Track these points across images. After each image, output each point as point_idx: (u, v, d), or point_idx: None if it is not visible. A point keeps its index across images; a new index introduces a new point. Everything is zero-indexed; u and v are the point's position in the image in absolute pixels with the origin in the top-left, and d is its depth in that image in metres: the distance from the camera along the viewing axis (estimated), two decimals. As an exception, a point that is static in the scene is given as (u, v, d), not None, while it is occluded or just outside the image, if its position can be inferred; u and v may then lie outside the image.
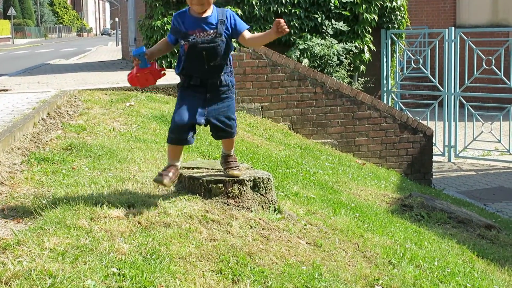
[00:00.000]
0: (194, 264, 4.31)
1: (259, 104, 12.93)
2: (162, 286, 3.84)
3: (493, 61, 16.52)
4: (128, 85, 12.41)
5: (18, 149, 6.81)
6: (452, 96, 16.93)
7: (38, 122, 8.36)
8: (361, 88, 15.45)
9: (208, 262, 4.40)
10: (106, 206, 5.03)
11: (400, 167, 13.24)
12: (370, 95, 13.51)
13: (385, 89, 17.56)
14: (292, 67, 12.97)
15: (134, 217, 4.90)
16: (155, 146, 7.62)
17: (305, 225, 5.80)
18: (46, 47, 60.17)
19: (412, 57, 18.53)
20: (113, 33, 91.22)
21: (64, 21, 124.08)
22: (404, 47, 18.14)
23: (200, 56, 5.14)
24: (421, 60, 17.71)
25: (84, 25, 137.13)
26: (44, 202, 5.07)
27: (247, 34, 5.18)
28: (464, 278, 5.82)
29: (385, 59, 17.56)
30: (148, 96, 11.59)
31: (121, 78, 13.81)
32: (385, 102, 16.71)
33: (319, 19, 16.61)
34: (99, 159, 6.64)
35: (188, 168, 5.90)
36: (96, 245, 4.30)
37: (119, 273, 3.89)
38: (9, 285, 3.63)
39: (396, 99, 17.97)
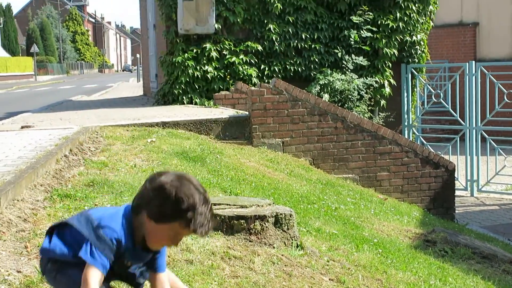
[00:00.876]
0: (217, 302, 4.29)
1: (279, 139, 12.93)
2: (184, 324, 3.81)
3: (515, 94, 16.47)
4: (149, 120, 12.53)
5: (41, 185, 6.85)
6: (474, 130, 16.85)
7: (61, 158, 8.41)
8: (382, 123, 15.42)
9: (231, 300, 4.38)
10: (129, 243, 5.02)
11: (423, 202, 13.15)
12: (391, 130, 13.48)
13: (406, 123, 17.51)
14: (313, 102, 12.98)
15: (157, 254, 4.89)
16: (177, 182, 7.61)
17: (328, 261, 5.77)
18: (68, 84, 60.74)
19: (433, 91, 18.51)
20: (135, 69, 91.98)
21: (86, 57, 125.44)
22: (424, 82, 18.11)
23: None
24: (441, 94, 17.68)
25: (106, 62, 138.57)
26: (66, 238, 5.08)
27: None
28: (490, 315, 5.75)
29: (405, 94, 17.54)
30: (169, 132, 11.63)
31: (142, 114, 13.89)
32: (406, 136, 16.64)
33: (339, 54, 16.66)
34: (121, 195, 6.65)
35: (210, 204, 5.90)
36: (119, 283, 4.29)
37: (141, 311, 3.87)
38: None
39: (418, 134, 17.91)
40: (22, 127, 12.30)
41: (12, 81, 69.56)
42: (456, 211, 13.91)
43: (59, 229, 3.35)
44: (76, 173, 7.79)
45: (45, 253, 3.34)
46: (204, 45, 16.03)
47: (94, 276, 3.07)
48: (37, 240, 5.14)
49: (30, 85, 60.32)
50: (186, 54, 15.94)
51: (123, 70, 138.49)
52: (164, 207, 3.08)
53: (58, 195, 6.56)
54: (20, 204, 6.26)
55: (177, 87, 16.07)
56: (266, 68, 16.56)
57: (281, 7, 16.43)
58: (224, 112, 13.72)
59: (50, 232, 3.40)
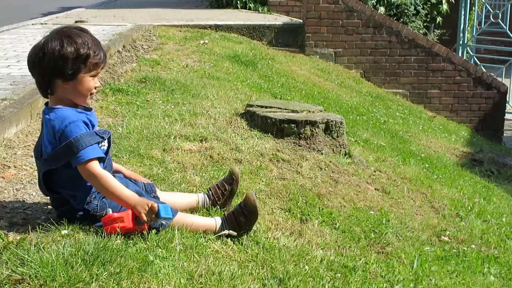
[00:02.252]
0: (263, 201, 4.34)
1: (332, 49, 12.80)
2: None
3: None
4: (202, 22, 12.46)
5: (94, 78, 6.90)
6: (530, 54, 16.48)
7: (114, 54, 8.45)
8: (436, 40, 15.16)
9: (278, 200, 4.43)
10: (179, 138, 5.09)
11: (471, 122, 13.00)
12: (446, 47, 13.24)
13: (461, 42, 17.15)
14: (368, 14, 12.76)
15: (206, 151, 4.95)
16: (228, 84, 7.64)
17: (374, 171, 5.78)
18: (121, -18, 60.46)
19: (491, 11, 18.01)
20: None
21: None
22: (483, 0, 17.63)
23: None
24: (499, 14, 17.21)
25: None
26: (119, 131, 5.16)
27: None
28: (532, 236, 5.74)
29: (463, 12, 17.10)
30: (222, 35, 11.59)
31: (195, 16, 13.82)
32: (460, 55, 16.34)
33: (399, -33, 16.26)
34: (173, 93, 6.69)
35: (262, 106, 5.91)
36: (168, 175, 4.36)
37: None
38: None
39: (472, 53, 17.55)
40: (76, 22, 12.33)
41: (66, -23, 69.54)
42: (504, 134, 13.75)
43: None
44: (129, 69, 7.84)
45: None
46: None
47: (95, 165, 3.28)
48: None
49: (83, -18, 60.14)
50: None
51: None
52: (65, 65, 3.26)
53: (110, 89, 6.62)
54: (74, 95, 6.33)
55: (232, -10, 15.90)
56: (323, -23, 16.25)
57: None
58: (278, 19, 13.58)
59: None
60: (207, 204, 3.90)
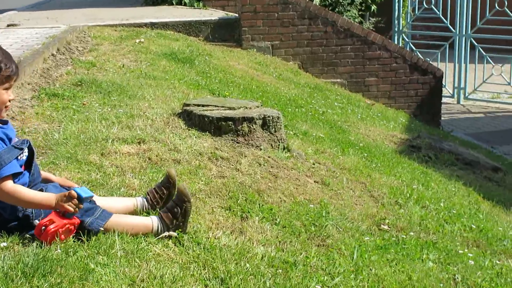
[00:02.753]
0: (203, 200, 4.36)
1: (269, 42, 12.85)
2: (172, 222, 3.89)
3: (506, 2, 16.31)
4: (138, 21, 12.37)
5: (28, 84, 6.83)
6: (464, 38, 16.77)
7: (48, 57, 8.35)
8: (372, 28, 15.34)
9: (218, 199, 4.46)
10: (117, 141, 5.08)
11: (409, 108, 13.19)
12: (381, 35, 13.40)
13: (396, 29, 17.39)
14: (303, 5, 12.84)
15: (145, 153, 4.95)
16: (165, 83, 7.62)
17: (314, 164, 5.84)
18: (55, -18, 59.65)
19: (425, -3, 18.30)
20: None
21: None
22: (416, -13, 17.90)
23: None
24: (433, 0, 17.49)
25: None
26: (55, 137, 5.12)
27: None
28: (470, 219, 5.87)
29: (397, -1, 17.36)
30: (158, 33, 11.53)
31: (130, 14, 13.72)
32: (396, 42, 16.56)
33: (332, -43, 16.39)
34: (109, 95, 6.65)
35: (198, 105, 5.93)
36: (107, 180, 4.36)
37: (129, 208, 3.94)
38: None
39: (407, 40, 17.82)
40: (8, 25, 12.13)
41: (-3, -22, 68.22)
42: (442, 118, 14.00)
43: None
44: (64, 72, 7.76)
45: None
46: None
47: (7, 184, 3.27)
48: (25, 137, 5.15)
49: (16, -18, 59.14)
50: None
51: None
52: None
53: (45, 94, 6.55)
54: (8, 102, 6.26)
55: (166, -13, 15.82)
56: (257, -31, 16.29)
57: None
58: (213, 14, 13.57)
59: None
60: (146, 208, 3.91)
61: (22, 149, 3.39)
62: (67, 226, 3.33)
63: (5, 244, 3.27)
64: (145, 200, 3.94)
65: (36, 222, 3.33)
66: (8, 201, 3.30)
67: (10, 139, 3.37)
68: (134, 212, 3.86)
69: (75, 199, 3.31)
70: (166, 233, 3.68)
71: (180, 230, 3.69)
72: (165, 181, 3.98)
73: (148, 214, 3.87)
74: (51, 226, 3.28)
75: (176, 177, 3.99)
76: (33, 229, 3.35)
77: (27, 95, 6.44)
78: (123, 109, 6.09)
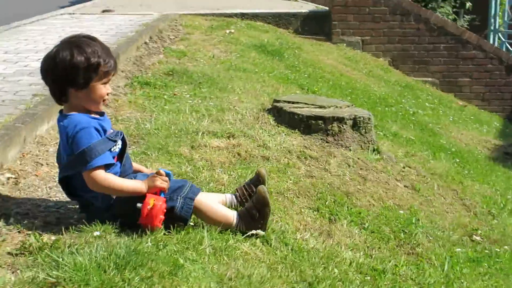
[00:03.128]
0: (291, 200, 4.31)
1: (359, 37, 12.70)
2: (261, 220, 3.86)
3: None
4: (228, 11, 12.41)
5: (122, 71, 6.91)
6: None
7: (141, 45, 8.45)
8: (466, 26, 14.96)
9: (306, 199, 4.40)
10: (207, 135, 5.07)
11: (504, 112, 12.80)
12: (476, 35, 13.06)
13: (492, 28, 16.93)
14: (395, 1, 12.63)
15: (234, 148, 4.92)
16: (255, 76, 7.60)
17: (404, 167, 5.72)
18: (148, -33, 60.51)
19: (523, -5, 17.76)
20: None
21: None
22: (515, -16, 17.38)
23: None
24: (532, -2, 16.96)
25: None
26: (147, 126, 5.15)
27: None
28: None
29: (493, -4, 16.89)
30: (248, 24, 11.54)
31: (221, 4, 13.77)
32: (491, 42, 16.12)
33: (426, -50, 16.06)
34: (200, 86, 6.67)
35: (288, 102, 5.87)
36: (197, 174, 4.35)
37: (218, 204, 3.92)
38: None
39: (504, 40, 17.31)
40: (103, 11, 12.36)
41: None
42: (539, 123, 13.58)
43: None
44: (156, 61, 7.82)
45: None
46: None
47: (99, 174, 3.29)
48: (118, 125, 5.21)
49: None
50: None
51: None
52: (76, 74, 3.29)
53: (138, 82, 6.61)
54: (102, 88, 6.34)
55: (258, -23, 15.84)
56: (350, -37, 16.14)
57: None
58: (303, 6, 13.50)
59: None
60: (234, 205, 3.88)
61: (115, 141, 3.42)
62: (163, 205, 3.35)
63: (98, 233, 3.29)
64: (234, 197, 3.91)
65: (139, 205, 3.34)
66: (99, 191, 3.33)
67: (105, 131, 3.41)
68: None
69: (164, 176, 3.38)
70: (254, 231, 3.65)
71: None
72: (254, 179, 3.95)
73: (236, 211, 3.85)
74: (159, 203, 3.30)
75: (266, 176, 3.95)
76: (123, 217, 3.38)
77: (120, 83, 6.51)
78: (213, 101, 6.09)
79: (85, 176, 3.29)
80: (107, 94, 3.45)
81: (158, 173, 3.37)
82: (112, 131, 3.50)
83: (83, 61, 3.30)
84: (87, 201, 3.46)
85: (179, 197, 3.44)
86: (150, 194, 3.34)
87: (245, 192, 3.92)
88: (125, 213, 3.41)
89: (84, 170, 3.27)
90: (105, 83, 3.40)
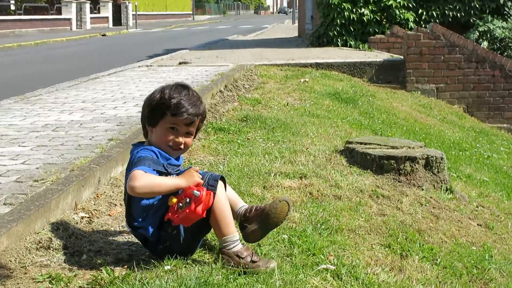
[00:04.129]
0: (362, 237, 4.34)
1: (433, 85, 12.71)
2: (331, 256, 3.90)
3: None
4: (303, 61, 12.60)
5: (197, 118, 7.07)
6: None
7: (216, 93, 8.66)
8: (542, 73, 14.77)
9: (377, 236, 4.42)
10: (279, 175, 5.16)
11: None
12: (553, 80, 12.91)
13: None
14: (471, 48, 12.63)
15: (306, 187, 4.99)
16: (328, 122, 7.69)
17: (477, 207, 5.69)
18: (225, 24, 61.71)
19: None
20: (290, 11, 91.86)
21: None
22: None
23: None
24: None
25: (262, 3, 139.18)
26: (220, 168, 5.27)
27: None
28: None
29: None
30: (322, 73, 11.68)
31: (296, 55, 13.99)
32: None
33: (501, 0, 16.00)
34: (273, 131, 6.79)
35: (361, 143, 5.94)
36: (269, 212, 4.42)
37: (289, 240, 3.99)
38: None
39: None
40: (180, 63, 12.71)
41: (171, 20, 71.35)
42: None
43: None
44: (230, 108, 8.00)
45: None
46: (362, -13, 15.87)
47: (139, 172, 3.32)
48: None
49: (188, 24, 61.73)
50: (342, -4, 15.83)
51: (278, 12, 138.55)
52: (148, 111, 3.50)
53: (212, 128, 6.78)
54: (177, 134, 6.53)
55: (332, 29, 16.05)
56: (424, 13, 16.21)
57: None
58: (378, 56, 13.59)
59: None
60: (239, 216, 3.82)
61: (168, 172, 3.49)
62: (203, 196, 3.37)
63: (168, 267, 3.39)
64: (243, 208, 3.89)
65: (197, 193, 3.33)
66: (141, 190, 3.29)
67: (167, 160, 3.49)
68: None
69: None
70: (324, 266, 3.69)
71: None
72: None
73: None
74: (203, 193, 3.33)
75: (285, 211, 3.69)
76: (170, 243, 3.48)
77: (195, 129, 6.67)
78: (286, 144, 6.20)
79: (128, 180, 3.32)
80: (177, 143, 3.51)
81: (194, 170, 3.42)
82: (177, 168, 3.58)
83: (157, 100, 3.46)
84: (142, 235, 3.55)
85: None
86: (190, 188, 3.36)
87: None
88: (173, 240, 3.48)
89: (129, 173, 3.34)
90: (175, 130, 3.48)
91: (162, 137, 3.48)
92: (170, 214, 3.38)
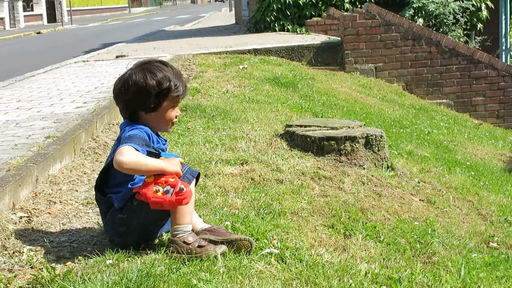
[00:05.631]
0: (306, 219, 4.34)
1: (372, 65, 12.79)
2: (274, 240, 3.89)
3: None
4: (241, 48, 12.55)
5: (136, 110, 6.99)
6: None
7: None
8: (478, 47, 14.98)
9: (320, 217, 4.43)
10: (220, 163, 5.13)
11: (520, 127, 12.83)
12: (488, 54, 13.10)
13: (503, 47, 16.97)
14: (406, 26, 12.74)
15: (247, 173, 4.97)
16: (268, 107, 7.68)
17: (419, 182, 5.74)
18: (162, 15, 61.16)
19: (533, 13, 17.78)
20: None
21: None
22: (524, 4, 17.42)
23: None
24: (542, 16, 16.99)
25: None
26: (160, 159, 5.21)
27: None
28: None
29: (503, 16, 16.93)
30: (261, 59, 11.66)
31: (234, 42, 13.94)
32: (503, 61, 16.13)
33: (434, -24, 16.17)
34: (213, 119, 6.76)
35: (301, 126, 5.93)
36: (210, 200, 4.40)
37: (232, 227, 3.97)
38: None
39: (516, 58, 17.33)
40: (117, 57, 12.56)
41: (106, 14, 70.33)
42: (555, 137, 13.51)
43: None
44: (170, 98, 7.91)
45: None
46: (295, -29, 15.86)
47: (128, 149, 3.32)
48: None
49: (124, 17, 61.07)
50: (277, -19, 15.81)
51: (215, 0, 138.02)
52: (149, 98, 3.44)
53: (152, 119, 6.68)
54: (115, 128, 6.46)
55: (269, 14, 16.01)
56: (359, -7, 16.29)
57: None
58: (316, 38, 13.63)
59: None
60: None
61: (157, 153, 3.49)
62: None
63: (110, 261, 3.35)
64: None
65: (182, 187, 3.35)
66: (128, 165, 3.29)
67: (157, 143, 3.53)
68: None
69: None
70: (268, 250, 3.68)
71: None
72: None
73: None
74: (188, 190, 3.36)
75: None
76: (130, 218, 3.47)
77: (133, 121, 6.60)
78: (226, 132, 6.17)
79: (116, 153, 3.31)
80: (176, 117, 3.61)
81: (179, 161, 3.47)
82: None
83: (155, 86, 3.42)
84: (109, 202, 3.54)
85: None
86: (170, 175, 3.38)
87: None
88: (134, 213, 3.46)
89: (119, 147, 3.33)
90: (174, 107, 3.55)
91: (165, 118, 3.53)
92: (143, 190, 3.36)
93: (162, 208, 3.40)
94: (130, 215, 3.50)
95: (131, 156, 3.28)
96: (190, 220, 3.56)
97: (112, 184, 3.55)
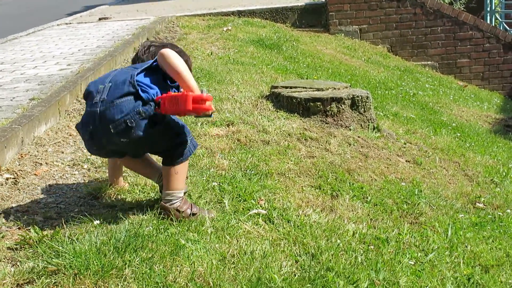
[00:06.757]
0: (293, 180, 4.33)
1: (357, 26, 12.71)
2: (261, 200, 3.89)
3: None
4: (225, 10, 12.44)
5: (120, 72, 6.93)
6: (560, 16, 16.18)
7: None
8: (463, 9, 14.94)
9: (307, 178, 4.42)
10: (206, 124, 5.10)
11: (504, 89, 12.80)
12: (473, 15, 13.05)
13: (488, 9, 16.91)
14: (391, -13, 12.65)
15: (234, 134, 4.95)
16: (253, 69, 7.62)
17: (405, 143, 5.74)
18: (144, -22, 60.55)
19: (518, -25, 17.71)
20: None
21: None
22: (509, -35, 17.35)
23: None
24: (527, -22, 16.92)
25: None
26: (145, 121, 5.17)
27: None
28: None
29: (488, -22, 16.86)
30: (245, 21, 11.56)
31: (218, 3, 13.80)
32: (488, 22, 16.09)
33: None
34: (198, 81, 6.70)
35: (286, 87, 5.90)
36: (197, 161, 4.39)
37: (219, 187, 3.96)
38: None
39: (500, 20, 17.29)
40: (100, 19, 12.41)
41: (89, -24, 69.54)
42: (539, 98, 13.54)
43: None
44: (154, 60, 7.84)
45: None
46: None
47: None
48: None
49: (107, -20, 60.33)
50: None
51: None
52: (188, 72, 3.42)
53: (136, 81, 6.62)
54: (100, 89, 6.39)
55: (253, -25, 15.86)
56: (343, -46, 16.14)
57: None
58: (300, 0, 13.52)
59: None
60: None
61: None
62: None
63: (98, 222, 3.34)
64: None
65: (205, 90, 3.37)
66: (169, 60, 3.31)
67: None
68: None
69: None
70: (255, 210, 3.68)
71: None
72: None
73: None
74: (205, 94, 3.28)
75: None
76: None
77: (118, 83, 6.53)
78: (211, 93, 6.12)
79: (160, 52, 3.35)
80: None
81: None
82: None
83: (186, 62, 3.43)
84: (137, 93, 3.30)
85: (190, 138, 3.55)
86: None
87: None
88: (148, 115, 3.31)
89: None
90: None
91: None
92: (164, 95, 3.30)
93: (175, 106, 3.26)
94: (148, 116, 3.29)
95: (175, 55, 3.34)
96: (183, 185, 3.54)
97: (146, 82, 3.41)
